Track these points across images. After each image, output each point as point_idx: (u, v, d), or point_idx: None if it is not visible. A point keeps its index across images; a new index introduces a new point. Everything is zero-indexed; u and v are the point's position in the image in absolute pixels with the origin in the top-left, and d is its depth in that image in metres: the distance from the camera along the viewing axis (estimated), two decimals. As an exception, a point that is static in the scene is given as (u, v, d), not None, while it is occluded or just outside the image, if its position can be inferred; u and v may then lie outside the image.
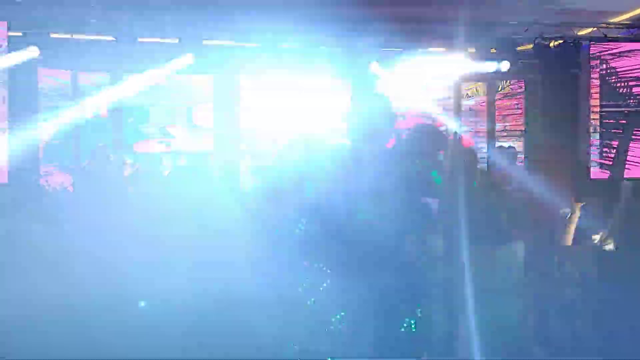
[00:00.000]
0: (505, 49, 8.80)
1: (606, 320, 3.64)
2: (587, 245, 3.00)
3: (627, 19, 8.94)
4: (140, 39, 7.94)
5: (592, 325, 3.80)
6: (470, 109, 10.83)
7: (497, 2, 8.03)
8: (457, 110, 10.70)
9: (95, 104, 9.46)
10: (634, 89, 9.39)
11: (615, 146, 9.29)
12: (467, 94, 10.82)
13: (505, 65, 8.98)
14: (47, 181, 8.15)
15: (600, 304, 3.68)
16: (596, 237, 3.77)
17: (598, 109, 9.53)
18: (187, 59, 8.15)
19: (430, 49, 9.24)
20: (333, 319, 2.60)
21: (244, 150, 5.54)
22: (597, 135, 9.50)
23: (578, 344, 3.80)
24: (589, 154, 9.47)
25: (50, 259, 4.00)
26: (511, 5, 8.16)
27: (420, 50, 8.73)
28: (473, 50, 8.85)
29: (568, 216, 3.82)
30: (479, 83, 10.73)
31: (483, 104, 10.86)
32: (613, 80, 9.40)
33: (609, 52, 9.27)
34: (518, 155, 9.32)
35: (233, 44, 8.63)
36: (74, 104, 9.28)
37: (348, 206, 2.64)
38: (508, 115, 10.89)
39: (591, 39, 9.20)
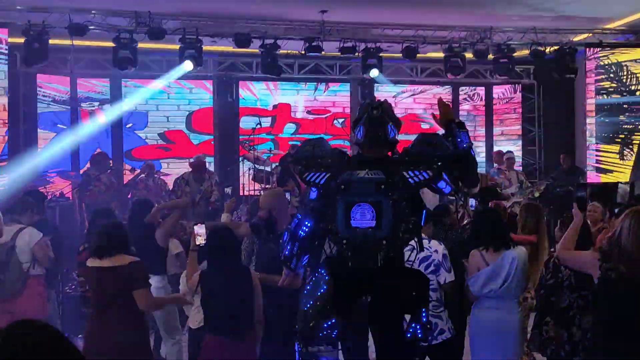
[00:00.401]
0: (502, 54, 8.88)
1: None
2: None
3: (622, 25, 9.05)
4: (140, 45, 7.96)
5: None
6: (468, 114, 10.90)
7: (494, 8, 8.12)
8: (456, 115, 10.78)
9: (94, 109, 9.48)
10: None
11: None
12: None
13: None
14: (45, 187, 8.14)
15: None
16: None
17: (594, 114, 9.62)
18: (187, 64, 8.17)
19: (429, 55, 9.32)
20: None
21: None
22: (593, 140, 9.59)
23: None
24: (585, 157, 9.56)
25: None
26: (507, 11, 8.25)
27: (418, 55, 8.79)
28: (471, 55, 8.92)
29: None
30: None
31: (481, 108, 10.94)
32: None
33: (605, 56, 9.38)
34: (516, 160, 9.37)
35: (233, 50, 8.67)
36: (73, 110, 9.30)
37: None
38: (505, 119, 10.98)
39: (587, 44, 9.30)
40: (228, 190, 7.32)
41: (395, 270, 2.72)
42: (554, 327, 3.47)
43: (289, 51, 8.77)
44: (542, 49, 8.84)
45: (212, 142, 9.92)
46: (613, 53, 9.43)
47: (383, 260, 2.65)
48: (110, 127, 9.47)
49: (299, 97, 10.26)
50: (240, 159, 9.39)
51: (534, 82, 10.52)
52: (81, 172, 8.45)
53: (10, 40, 7.85)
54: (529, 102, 10.71)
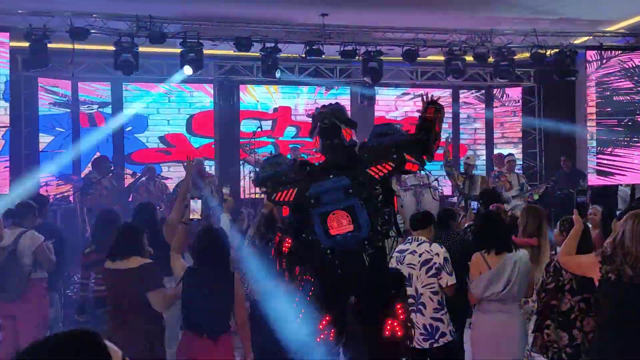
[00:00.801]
0: (502, 57, 8.89)
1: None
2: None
3: (622, 28, 9.06)
4: (141, 49, 7.97)
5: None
6: (468, 116, 10.92)
7: (494, 11, 8.13)
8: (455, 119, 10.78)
9: (94, 113, 9.49)
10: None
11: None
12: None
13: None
14: (47, 191, 8.15)
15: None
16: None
17: (595, 117, 9.62)
18: (186, 69, 8.18)
19: (429, 58, 9.33)
20: None
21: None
22: (594, 142, 9.59)
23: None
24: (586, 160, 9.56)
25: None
26: (508, 14, 8.26)
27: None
28: (471, 58, 8.93)
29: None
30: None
31: (481, 111, 10.94)
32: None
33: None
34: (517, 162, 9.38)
35: (234, 53, 8.68)
36: (73, 113, 9.31)
37: None
38: (505, 122, 10.99)
39: (587, 47, 9.31)
40: (226, 190, 7.35)
41: (376, 268, 2.76)
42: (555, 330, 3.47)
43: (289, 54, 8.79)
44: (543, 51, 8.85)
45: (213, 146, 9.93)
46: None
47: (369, 258, 2.70)
48: (111, 131, 9.48)
49: (300, 101, 10.28)
50: (241, 162, 9.40)
51: (535, 84, 10.53)
52: (82, 175, 8.47)
53: (11, 44, 7.87)
54: (529, 104, 10.72)
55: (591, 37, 9.22)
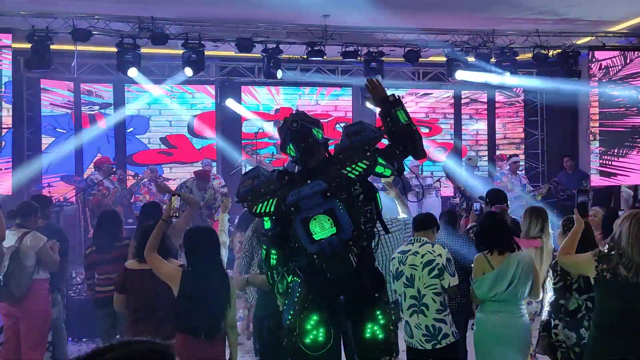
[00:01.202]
0: (505, 58, 8.88)
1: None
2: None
3: (625, 28, 9.04)
4: (143, 50, 7.98)
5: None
6: (470, 117, 10.90)
7: (496, 12, 8.12)
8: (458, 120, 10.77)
9: (96, 114, 9.50)
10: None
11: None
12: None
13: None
14: (49, 192, 8.16)
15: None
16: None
17: (597, 117, 9.61)
18: (187, 71, 8.20)
19: (431, 59, 9.32)
20: None
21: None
22: (597, 143, 9.57)
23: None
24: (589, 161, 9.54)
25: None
26: (510, 15, 8.25)
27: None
28: (473, 59, 8.92)
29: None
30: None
31: (483, 112, 10.93)
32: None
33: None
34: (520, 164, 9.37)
35: (235, 55, 8.68)
36: (75, 114, 9.32)
37: None
38: (507, 123, 10.97)
39: (590, 47, 9.30)
40: (224, 190, 7.42)
41: (362, 269, 2.78)
42: (562, 330, 3.46)
43: (291, 55, 8.79)
44: (545, 52, 8.84)
45: (215, 147, 9.94)
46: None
47: (356, 258, 2.71)
48: (113, 132, 9.50)
49: (301, 102, 10.27)
50: (242, 164, 9.41)
51: (537, 85, 10.51)
52: (84, 176, 8.48)
53: (14, 45, 7.89)
54: (531, 105, 10.70)
55: (594, 38, 9.20)
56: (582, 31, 9.01)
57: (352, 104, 10.30)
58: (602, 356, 2.89)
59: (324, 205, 2.67)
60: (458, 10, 8.02)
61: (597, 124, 9.55)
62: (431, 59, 9.36)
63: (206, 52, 8.26)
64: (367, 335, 2.78)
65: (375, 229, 2.87)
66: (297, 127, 2.83)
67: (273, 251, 2.89)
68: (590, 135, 9.61)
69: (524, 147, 10.74)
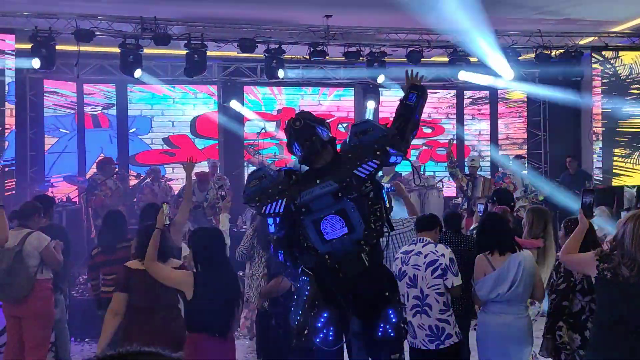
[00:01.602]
0: (508, 58, 8.87)
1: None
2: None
3: (627, 28, 9.02)
4: (145, 50, 7.99)
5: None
6: (473, 117, 10.88)
7: (499, 12, 8.11)
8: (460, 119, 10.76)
9: (98, 115, 9.52)
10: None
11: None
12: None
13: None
14: (52, 192, 8.18)
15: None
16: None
17: (600, 117, 9.59)
18: (189, 71, 8.21)
19: (433, 59, 9.31)
20: None
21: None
22: (600, 143, 9.55)
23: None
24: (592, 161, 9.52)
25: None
26: (512, 15, 8.24)
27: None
28: (475, 59, 8.91)
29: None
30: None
31: (485, 112, 10.91)
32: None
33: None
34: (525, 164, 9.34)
35: (237, 55, 8.69)
36: (78, 115, 9.34)
37: None
38: (510, 123, 10.95)
39: (592, 47, 9.28)
40: (223, 192, 7.46)
41: (372, 269, 2.76)
42: (567, 332, 3.45)
43: (293, 56, 8.79)
44: (548, 52, 8.82)
45: (217, 147, 9.95)
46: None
47: (368, 257, 2.70)
48: (116, 133, 9.52)
49: (304, 102, 10.28)
50: (245, 164, 9.42)
51: (540, 85, 10.49)
52: (87, 177, 8.50)
53: (17, 45, 7.91)
54: (534, 105, 10.69)
55: (596, 38, 9.18)
56: (584, 31, 8.99)
57: (354, 104, 10.30)
58: (602, 355, 2.88)
59: (335, 206, 2.65)
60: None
61: (599, 124, 9.52)
62: (434, 59, 9.35)
63: (209, 53, 8.28)
64: (379, 334, 2.75)
65: (385, 228, 2.85)
66: (299, 126, 2.82)
67: (280, 252, 2.87)
68: (593, 136, 9.58)
69: (526, 147, 10.72)
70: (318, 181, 2.72)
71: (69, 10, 7.50)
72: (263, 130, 9.03)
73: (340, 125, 10.19)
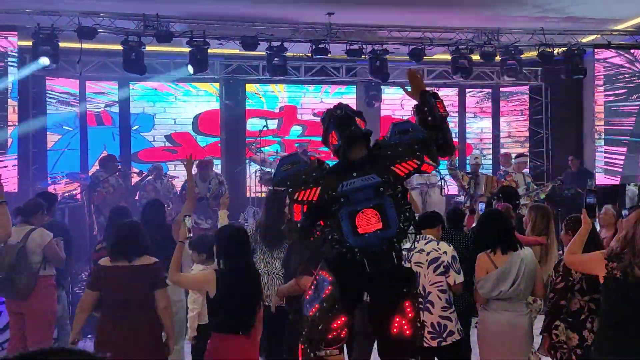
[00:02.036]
0: (509, 56, 8.85)
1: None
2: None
3: (630, 26, 9.00)
4: (148, 48, 8.00)
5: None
6: (475, 115, 10.87)
7: (501, 10, 8.10)
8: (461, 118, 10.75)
9: (101, 112, 9.53)
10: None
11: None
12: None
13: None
14: (55, 189, 8.19)
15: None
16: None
17: (603, 116, 9.57)
18: (189, 68, 8.20)
19: (435, 57, 9.30)
20: None
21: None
22: (602, 142, 9.54)
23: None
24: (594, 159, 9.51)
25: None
26: (515, 13, 8.23)
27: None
28: (478, 57, 8.89)
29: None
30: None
31: (488, 110, 10.90)
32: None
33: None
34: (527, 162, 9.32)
35: (240, 52, 8.69)
36: (81, 112, 9.35)
37: None
38: (512, 121, 10.94)
39: (595, 45, 9.26)
40: (223, 188, 7.46)
41: (393, 267, 2.73)
42: (565, 331, 3.45)
43: (295, 54, 8.79)
44: (550, 50, 8.80)
45: (219, 145, 9.95)
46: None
47: (396, 255, 2.69)
48: (118, 130, 9.53)
49: (306, 100, 10.28)
50: (247, 161, 9.42)
51: (542, 83, 10.48)
52: (90, 174, 8.51)
53: (19, 43, 7.92)
54: (536, 104, 10.67)
55: (599, 36, 9.16)
56: (587, 29, 8.97)
57: (356, 102, 10.29)
58: (610, 356, 2.87)
59: (374, 200, 2.60)
60: (463, 8, 8.00)
61: (602, 122, 9.51)
62: (436, 57, 9.35)
63: (211, 50, 8.27)
64: (394, 330, 2.68)
65: (411, 229, 2.81)
66: (341, 114, 2.79)
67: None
68: (596, 134, 9.57)
69: (528, 145, 10.70)
70: (355, 174, 2.67)
71: (71, 8, 7.51)
72: (265, 128, 9.02)
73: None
